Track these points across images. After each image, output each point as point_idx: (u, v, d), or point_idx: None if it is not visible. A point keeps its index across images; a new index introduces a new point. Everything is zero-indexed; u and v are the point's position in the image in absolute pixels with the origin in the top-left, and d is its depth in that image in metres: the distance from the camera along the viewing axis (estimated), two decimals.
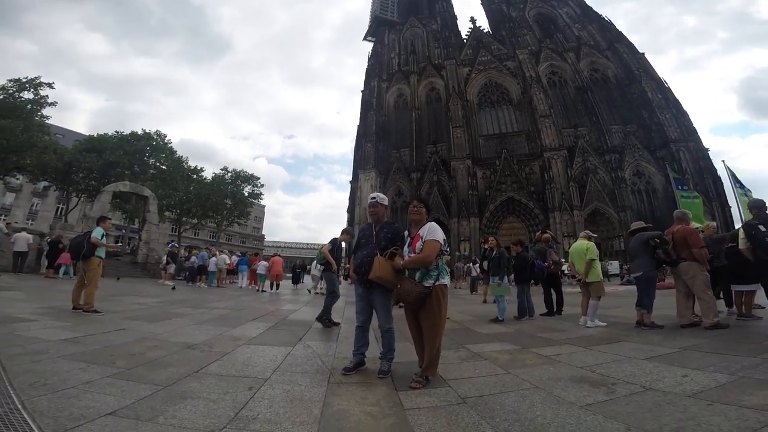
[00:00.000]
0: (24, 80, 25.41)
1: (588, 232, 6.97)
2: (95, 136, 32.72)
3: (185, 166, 36.57)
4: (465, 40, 46.04)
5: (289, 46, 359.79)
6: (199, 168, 38.38)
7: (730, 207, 28.10)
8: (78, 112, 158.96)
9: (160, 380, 2.93)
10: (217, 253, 17.69)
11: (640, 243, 5.61)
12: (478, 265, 14.46)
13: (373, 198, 3.56)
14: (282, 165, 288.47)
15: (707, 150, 32.79)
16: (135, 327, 5.32)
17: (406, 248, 3.26)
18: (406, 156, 40.65)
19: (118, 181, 24.45)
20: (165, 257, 17.30)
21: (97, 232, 6.55)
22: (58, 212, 38.84)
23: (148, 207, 22.74)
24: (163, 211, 33.43)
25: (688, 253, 5.20)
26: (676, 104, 35.25)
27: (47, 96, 26.10)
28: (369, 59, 49.57)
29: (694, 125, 34.02)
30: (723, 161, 16.06)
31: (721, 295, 6.64)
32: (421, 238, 3.11)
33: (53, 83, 26.06)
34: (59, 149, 28.08)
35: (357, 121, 45.39)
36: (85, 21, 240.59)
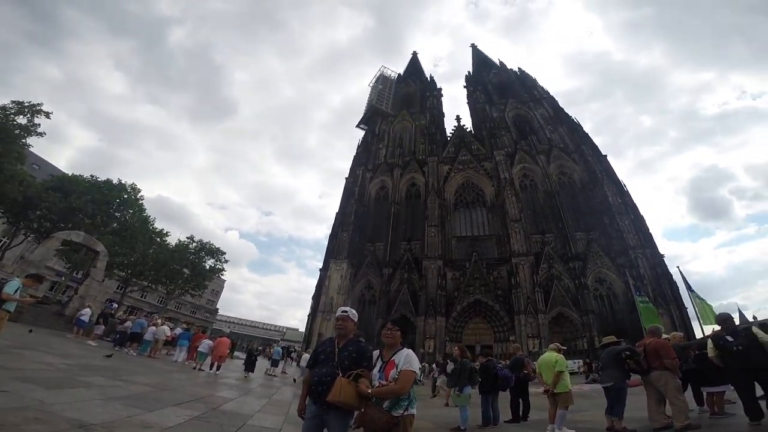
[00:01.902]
0: (26, 104, 24.78)
1: (557, 344, 7.11)
2: (69, 175, 31.26)
3: (151, 227, 34.95)
4: (449, 138, 48.93)
5: (287, 122, 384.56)
6: (164, 231, 36.86)
7: (686, 308, 28.63)
8: (66, 147, 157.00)
9: None
10: (159, 322, 15.88)
11: (612, 356, 5.95)
12: (438, 369, 13.81)
13: (344, 312, 3.29)
14: (254, 242, 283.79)
15: (662, 256, 34.07)
16: (23, 391, 4.28)
17: (376, 372, 3.02)
18: (380, 250, 40.50)
19: (75, 228, 22.97)
20: (91, 313, 15.33)
21: (10, 287, 5.85)
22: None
23: (96, 262, 20.91)
24: (113, 268, 30.89)
25: (659, 363, 5.51)
26: (634, 209, 36.91)
27: (39, 125, 25.18)
28: (358, 147, 51.34)
29: (650, 231, 35.72)
30: (678, 267, 17.27)
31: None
32: (396, 366, 2.93)
33: (51, 113, 25.45)
34: (26, 181, 26.14)
35: (336, 208, 45.17)
36: (115, 57, 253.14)
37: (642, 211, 37.39)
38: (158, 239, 35.72)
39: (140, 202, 33.44)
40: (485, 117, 48.50)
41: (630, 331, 25.08)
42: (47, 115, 25.28)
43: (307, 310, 39.52)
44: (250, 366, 14.60)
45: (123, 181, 32.31)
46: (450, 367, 9.09)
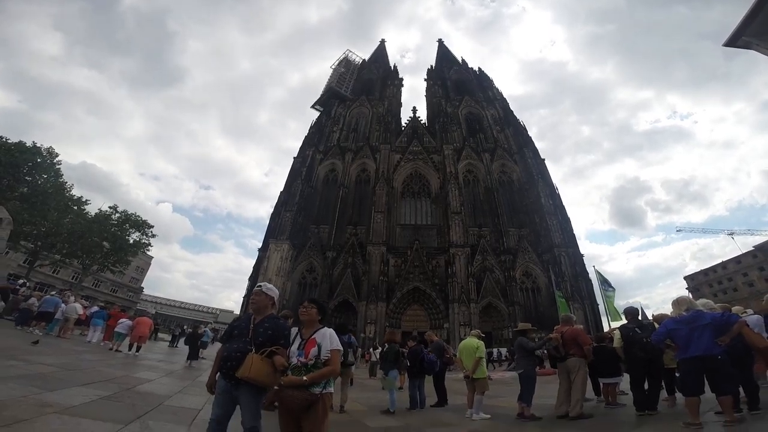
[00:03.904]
0: None
1: (478, 331, 7.47)
2: None
3: (66, 194, 31.35)
4: (404, 128, 50.21)
5: (240, 96, 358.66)
6: (83, 199, 33.04)
7: (598, 305, 31.94)
8: None
9: None
10: (71, 299, 14.45)
11: (522, 347, 6.22)
12: (378, 350, 13.99)
13: (258, 287, 3.29)
14: (189, 217, 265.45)
15: (582, 255, 38.22)
16: None
17: (295, 349, 2.98)
18: (324, 233, 40.30)
19: None
20: None
21: None
22: None
23: None
24: (20, 238, 27.31)
25: (576, 349, 5.87)
26: (562, 211, 40.60)
27: None
28: (311, 127, 50.34)
29: (574, 232, 39.94)
30: (594, 266, 19.42)
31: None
32: (318, 345, 2.91)
33: None
34: None
35: (281, 188, 44.04)
36: (56, 17, 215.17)
37: (569, 213, 41.59)
38: (75, 207, 31.92)
39: (57, 167, 29.86)
40: (440, 111, 49.96)
41: (549, 322, 27.27)
42: None
43: (244, 292, 38.31)
44: (193, 354, 12.45)
45: (38, 144, 28.68)
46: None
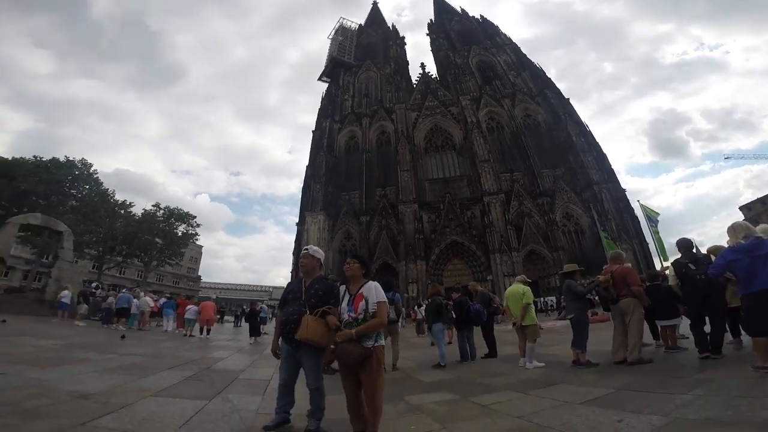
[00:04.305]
0: None
1: (524, 276, 7.20)
2: (9, 159, 28.99)
3: (112, 200, 33.68)
4: (415, 85, 48.63)
5: (244, 81, 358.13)
6: (128, 203, 35.54)
7: (648, 243, 30.40)
8: (1, 132, 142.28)
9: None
10: (141, 294, 15.99)
11: (570, 291, 5.89)
12: (423, 308, 14.40)
13: (305, 250, 3.42)
14: (226, 203, 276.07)
15: (624, 190, 36.47)
16: (17, 372, 4.49)
17: (345, 306, 3.09)
18: (355, 199, 40.71)
19: (30, 212, 21.75)
20: (70, 294, 15.23)
21: None
22: None
23: (62, 243, 20.18)
24: (84, 247, 30.00)
25: (627, 290, 5.47)
26: (597, 147, 38.86)
27: None
28: (322, 99, 50.12)
29: (612, 167, 37.98)
30: (638, 201, 18.37)
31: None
32: (365, 299, 3.00)
33: None
34: None
35: (307, 162, 44.99)
36: (34, 35, 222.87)
37: (604, 149, 39.13)
38: (122, 211, 34.43)
39: (95, 176, 31.84)
40: (449, 63, 47.90)
41: (597, 266, 26.83)
42: None
43: (290, 267, 40.13)
44: (254, 330, 13.03)
45: (71, 158, 30.47)
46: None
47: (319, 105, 50.00)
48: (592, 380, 4.68)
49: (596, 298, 6.80)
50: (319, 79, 54.92)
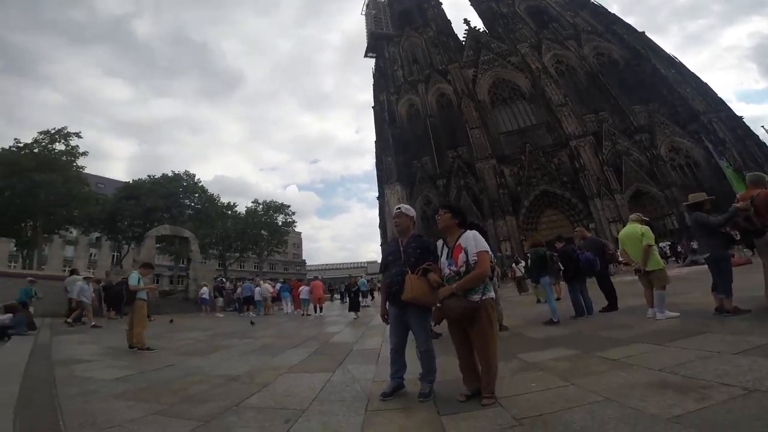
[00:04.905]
0: (53, 131, 25.95)
1: (639, 215, 6.21)
2: (131, 182, 34.13)
3: (219, 204, 37.72)
4: (463, 42, 46.04)
5: (296, 73, 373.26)
6: (232, 204, 39.89)
7: None
8: (115, 160, 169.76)
9: (201, 415, 2.88)
10: (261, 282, 18.10)
11: (702, 224, 4.87)
12: (521, 264, 13.70)
13: (398, 209, 3.34)
14: (313, 190, 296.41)
15: (741, 117, 31.73)
16: (182, 362, 5.37)
17: (444, 260, 2.98)
18: (427, 165, 40.65)
19: (158, 225, 25.22)
20: (208, 290, 17.74)
21: (133, 279, 6.77)
22: (114, 259, 41.79)
23: (190, 247, 23.70)
24: (207, 248, 34.92)
25: None
26: (694, 78, 34.67)
27: (78, 146, 26.62)
28: (374, 75, 50.54)
29: (719, 96, 33.53)
30: (762, 126, 15.16)
31: None
32: (464, 250, 2.85)
33: (80, 132, 26.50)
34: (101, 199, 29.78)
35: (374, 138, 46.21)
36: (102, 66, 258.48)
37: (705, 79, 34.83)
38: (229, 212, 38.74)
39: (200, 184, 35.75)
40: (494, 14, 45.02)
41: (722, 200, 22.99)
42: (77, 135, 26.40)
43: (378, 241, 42.33)
44: (354, 306, 12.68)
45: (176, 172, 34.59)
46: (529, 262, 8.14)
47: (371, 81, 50.86)
48: (744, 328, 3.94)
49: (734, 233, 5.39)
50: (366, 56, 55.11)
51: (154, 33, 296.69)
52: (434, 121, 42.22)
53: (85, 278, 12.45)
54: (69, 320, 10.59)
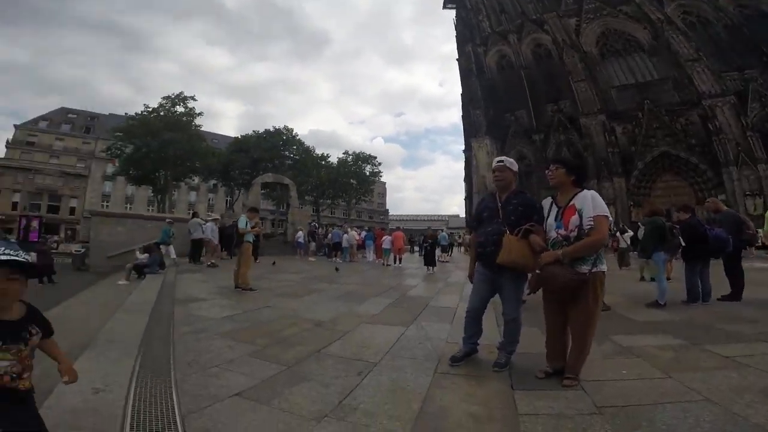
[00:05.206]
0: (173, 96, 30.86)
1: None
2: (240, 138, 39.70)
3: (314, 155, 41.62)
4: None
5: (378, 29, 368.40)
6: (325, 155, 43.78)
7: None
8: (226, 118, 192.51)
9: (287, 360, 3.24)
10: (348, 230, 19.17)
11: None
12: (628, 234, 12.10)
13: (500, 161, 2.97)
14: (397, 142, 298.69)
15: None
16: (279, 304, 6.03)
17: (552, 221, 2.64)
18: (522, 118, 37.84)
19: (263, 173, 28.56)
20: (303, 235, 19.32)
21: (242, 222, 7.43)
22: (227, 203, 48.60)
23: (289, 193, 26.09)
24: (303, 195, 38.50)
25: None
26: None
27: (194, 108, 31.54)
28: (456, 26, 46.53)
29: None
30: None
31: None
32: (578, 212, 2.49)
33: (194, 96, 31.34)
34: (216, 153, 35.60)
35: (460, 90, 44.26)
36: (203, 36, 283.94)
37: None
38: (323, 162, 42.52)
39: (297, 138, 39.73)
40: None
41: None
42: (192, 98, 31.27)
43: (463, 194, 42.08)
44: (430, 260, 12.59)
45: (277, 127, 38.86)
46: (640, 232, 7.15)
47: (454, 33, 46.95)
48: None
49: None
50: (444, 7, 50.21)
51: (241, 3, 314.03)
52: (530, 73, 38.68)
53: (213, 220, 14.68)
54: (210, 262, 11.71)
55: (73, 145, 49.94)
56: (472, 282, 3.11)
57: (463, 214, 53.29)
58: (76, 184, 46.97)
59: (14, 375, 1.32)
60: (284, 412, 2.25)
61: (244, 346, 3.62)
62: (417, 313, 5.45)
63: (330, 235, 19.16)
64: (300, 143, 40.11)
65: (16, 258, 1.30)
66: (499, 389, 2.57)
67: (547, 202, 2.80)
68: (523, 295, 3.05)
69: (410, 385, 2.69)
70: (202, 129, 34.84)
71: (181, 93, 31.51)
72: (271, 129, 38.64)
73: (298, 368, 3.03)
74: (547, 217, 2.69)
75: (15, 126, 48.85)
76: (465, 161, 41.83)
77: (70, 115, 52.13)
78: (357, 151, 45.15)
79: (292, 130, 39.47)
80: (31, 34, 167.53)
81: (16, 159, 45.31)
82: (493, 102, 39.44)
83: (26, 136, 47.93)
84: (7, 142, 47.22)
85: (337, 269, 12.20)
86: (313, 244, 19.46)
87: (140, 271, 9.10)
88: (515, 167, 3.01)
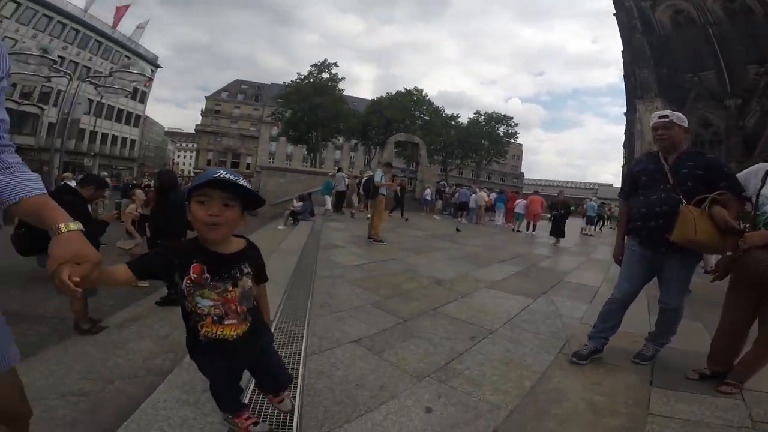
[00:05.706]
0: (319, 63, 34.55)
1: None
2: (374, 100, 41.87)
3: (443, 115, 41.48)
4: None
5: None
6: (455, 115, 43.02)
7: None
8: (363, 82, 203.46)
9: (404, 313, 3.36)
10: (477, 190, 18.44)
11: None
12: None
13: (665, 116, 2.33)
14: (537, 103, 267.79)
15: None
16: (402, 258, 6.27)
17: (766, 191, 2.04)
18: (709, 80, 30.77)
19: (396, 133, 30.18)
20: (431, 192, 19.48)
21: (377, 175, 7.98)
22: (365, 161, 52.42)
23: (419, 152, 26.49)
24: (432, 154, 38.75)
25: None
26: None
27: (337, 74, 34.81)
28: None
29: None
30: None
31: None
32: None
33: (336, 63, 34.71)
34: (356, 115, 38.86)
35: (620, 48, 37.34)
36: (336, 5, 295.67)
37: None
38: (452, 122, 41.99)
39: (427, 98, 39.91)
40: None
41: None
42: (335, 64, 34.82)
43: (620, 161, 36.96)
44: (558, 231, 10.92)
45: (408, 88, 39.61)
46: None
47: None
48: None
49: None
50: None
51: None
52: (719, 30, 29.98)
53: (354, 177, 16.15)
54: (352, 212, 13.31)
55: (247, 112, 61.47)
56: (618, 263, 2.59)
57: (617, 184, 46.11)
58: (250, 144, 58.97)
59: (215, 318, 1.21)
60: (391, 365, 2.34)
61: (368, 295, 3.90)
62: (548, 286, 4.98)
63: (457, 194, 18.81)
64: (429, 104, 40.35)
65: (236, 180, 1.13)
66: (633, 383, 2.24)
67: (757, 168, 2.16)
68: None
69: (527, 360, 2.50)
70: (345, 93, 38.30)
71: (326, 60, 35.32)
72: (402, 90, 39.65)
73: (413, 323, 3.12)
74: (763, 186, 2.05)
75: (205, 97, 62.20)
76: (626, 124, 36.79)
77: (243, 86, 63.91)
78: (490, 111, 43.28)
79: (422, 91, 39.78)
80: (203, 13, 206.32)
81: (208, 125, 58.47)
82: (666, 61, 34.09)
83: (213, 105, 60.07)
84: (202, 111, 59.92)
85: (458, 229, 11.89)
86: (439, 202, 19.53)
87: (295, 217, 10.75)
88: (685, 123, 2.33)
